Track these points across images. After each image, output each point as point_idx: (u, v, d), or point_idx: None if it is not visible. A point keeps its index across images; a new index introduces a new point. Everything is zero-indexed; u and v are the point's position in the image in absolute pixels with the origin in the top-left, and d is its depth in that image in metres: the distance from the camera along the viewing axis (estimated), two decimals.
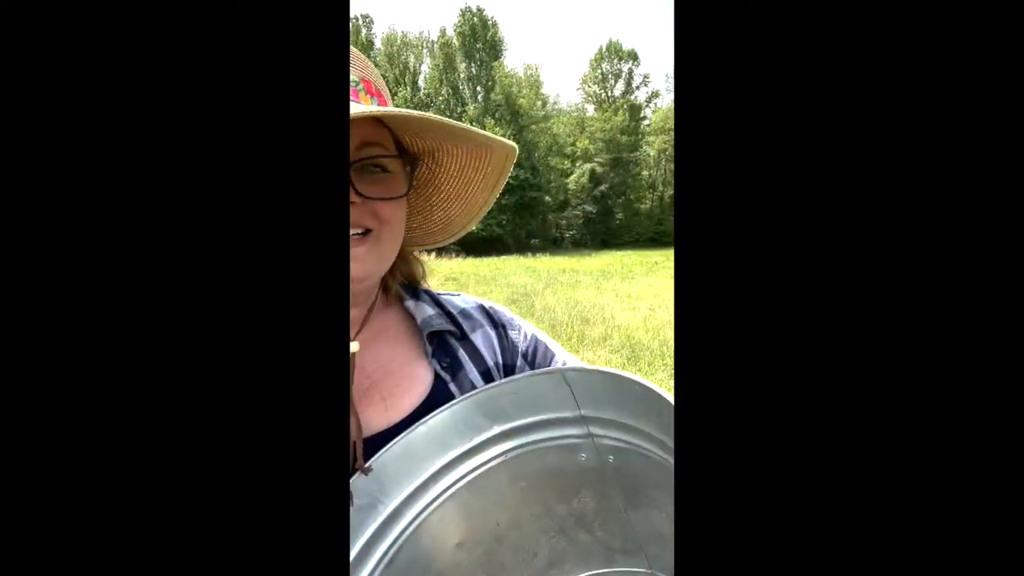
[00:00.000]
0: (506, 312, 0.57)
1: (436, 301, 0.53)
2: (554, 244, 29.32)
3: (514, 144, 0.49)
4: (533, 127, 29.54)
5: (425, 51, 35.38)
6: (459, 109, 32.32)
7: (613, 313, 6.03)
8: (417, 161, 0.48)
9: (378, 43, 35.17)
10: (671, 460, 0.38)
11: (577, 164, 31.02)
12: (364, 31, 34.84)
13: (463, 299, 0.56)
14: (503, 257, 19.83)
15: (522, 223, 27.84)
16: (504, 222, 27.03)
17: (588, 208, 29.51)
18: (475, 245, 24.93)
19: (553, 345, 0.56)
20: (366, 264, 0.44)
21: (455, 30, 32.65)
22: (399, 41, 34.94)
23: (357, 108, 0.37)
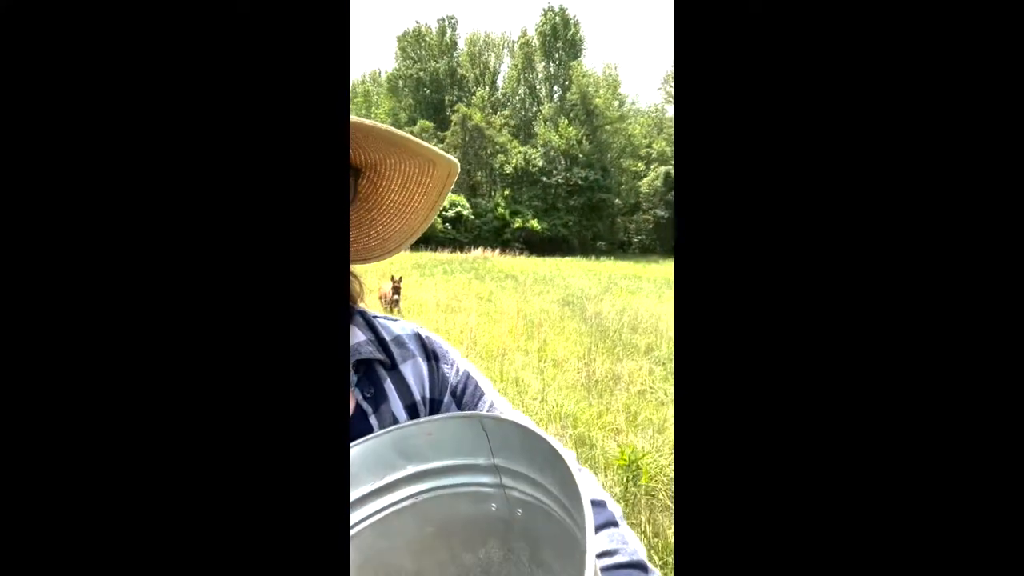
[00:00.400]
0: (441, 343, 0.55)
1: (370, 325, 0.52)
2: (621, 248, 28.60)
3: (456, 161, 0.47)
4: (607, 127, 28.94)
5: (506, 51, 35.80)
6: (534, 108, 32.39)
7: (668, 324, 5.77)
8: (359, 173, 0.48)
9: (461, 43, 36.08)
10: (568, 521, 0.36)
11: (652, 167, 30.02)
12: (449, 32, 35.90)
13: (400, 325, 0.55)
14: (566, 258, 19.67)
15: (588, 225, 27.43)
16: (570, 223, 26.79)
17: (660, 213, 28.46)
18: (539, 244, 24.95)
19: (484, 383, 0.54)
20: None
21: (536, 29, 32.74)
22: (481, 41, 35.63)
23: None
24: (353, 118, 0.38)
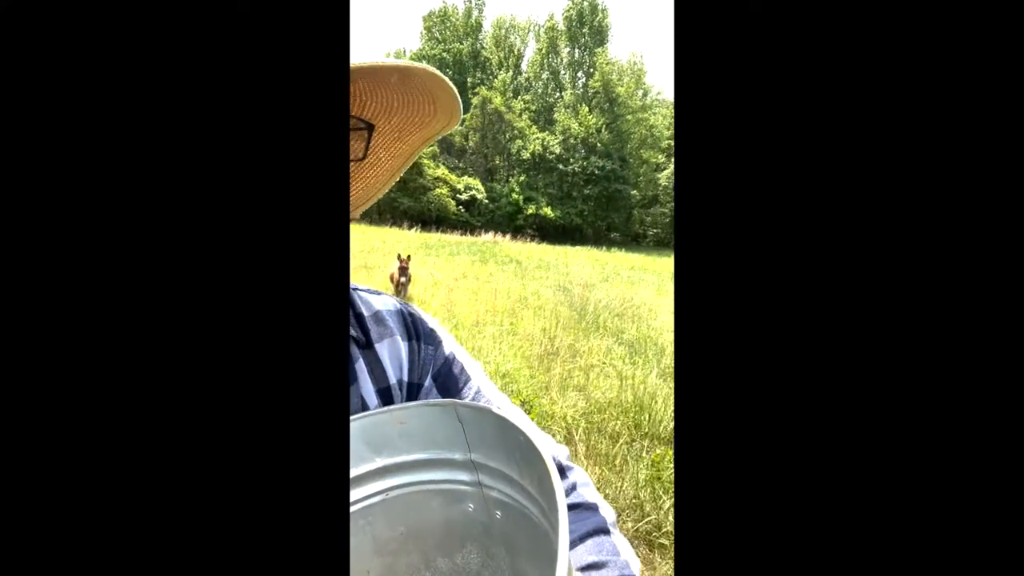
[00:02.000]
0: (427, 323, 0.50)
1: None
2: (635, 241, 28.31)
3: (454, 117, 0.42)
4: (629, 117, 28.43)
5: (531, 35, 35.16)
6: (556, 94, 31.88)
7: (657, 314, 5.72)
8: (372, 127, 0.43)
9: (487, 25, 35.47)
10: (547, 527, 0.31)
11: (672, 159, 29.51)
12: (475, 13, 35.30)
13: (383, 300, 0.50)
14: (577, 247, 19.48)
15: (603, 215, 27.12)
16: (585, 212, 26.50)
17: None
18: (552, 232, 24.79)
19: (472, 368, 0.49)
20: None
21: (563, 14, 32.10)
22: (507, 24, 35.00)
23: None
24: (372, 61, 0.33)
